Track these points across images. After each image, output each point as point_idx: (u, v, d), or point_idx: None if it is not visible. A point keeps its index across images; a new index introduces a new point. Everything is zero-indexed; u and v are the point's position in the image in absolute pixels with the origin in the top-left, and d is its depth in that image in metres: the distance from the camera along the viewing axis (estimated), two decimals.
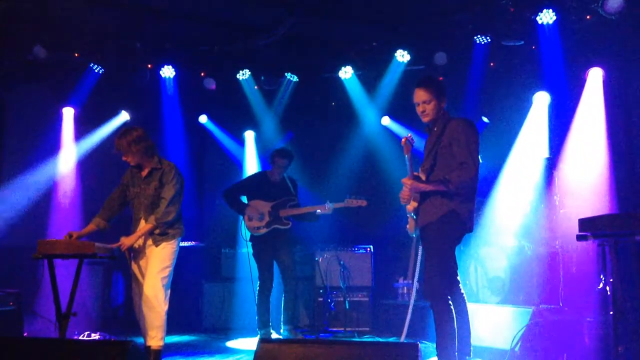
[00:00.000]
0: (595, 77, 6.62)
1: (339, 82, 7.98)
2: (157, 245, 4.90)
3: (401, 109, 7.93)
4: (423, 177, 4.27)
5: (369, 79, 7.92)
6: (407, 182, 4.21)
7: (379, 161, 8.21)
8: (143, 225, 4.94)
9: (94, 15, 6.90)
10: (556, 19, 6.33)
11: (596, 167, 6.32)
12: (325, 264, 7.19)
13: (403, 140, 4.26)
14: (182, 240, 5.20)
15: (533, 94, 7.11)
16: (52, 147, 7.67)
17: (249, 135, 8.83)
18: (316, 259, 7.26)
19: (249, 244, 6.52)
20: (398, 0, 6.63)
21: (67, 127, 7.83)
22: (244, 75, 8.00)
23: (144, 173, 5.02)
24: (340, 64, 7.82)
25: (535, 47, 6.74)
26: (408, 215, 4.41)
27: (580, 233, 3.94)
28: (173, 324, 5.22)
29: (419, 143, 4.58)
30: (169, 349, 5.54)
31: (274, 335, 6.37)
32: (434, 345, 4.14)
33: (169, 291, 4.87)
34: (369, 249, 7.36)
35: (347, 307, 7.01)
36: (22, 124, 7.51)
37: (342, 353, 2.91)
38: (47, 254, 4.41)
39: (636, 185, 6.32)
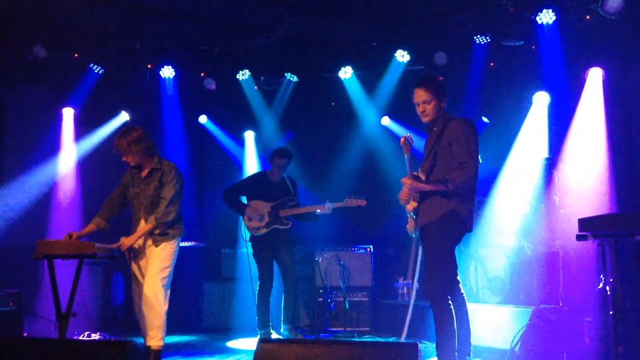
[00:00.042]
0: (595, 77, 6.62)
1: (338, 82, 7.98)
2: (157, 246, 4.91)
3: (401, 109, 7.93)
4: (423, 177, 4.27)
5: (369, 79, 7.92)
6: (406, 181, 4.21)
7: (379, 161, 8.21)
8: (143, 226, 4.94)
9: (94, 15, 6.90)
10: (556, 19, 6.33)
11: (596, 167, 6.32)
12: (325, 264, 7.19)
13: (402, 139, 4.26)
14: (182, 240, 5.20)
15: (533, 94, 7.11)
16: (52, 147, 7.67)
17: (249, 136, 8.83)
18: (316, 259, 7.26)
19: (249, 244, 6.52)
20: (398, 0, 6.63)
21: (67, 128, 7.83)
22: (243, 75, 8.00)
23: (144, 173, 5.02)
24: (340, 64, 7.82)
25: (535, 47, 6.75)
26: (408, 215, 4.41)
27: (580, 233, 3.94)
28: (173, 324, 5.22)
29: (419, 143, 4.58)
30: (169, 349, 5.54)
31: (274, 335, 6.37)
32: (434, 345, 4.15)
33: (168, 291, 4.87)
34: (369, 249, 7.36)
35: (347, 307, 7.01)
36: (22, 124, 7.51)
37: (342, 353, 2.91)
38: (46, 254, 4.41)
39: (636, 185, 6.32)
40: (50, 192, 7.59)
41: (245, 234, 6.49)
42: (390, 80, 7.70)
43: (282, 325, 6.44)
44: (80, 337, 6.12)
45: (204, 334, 7.26)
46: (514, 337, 5.00)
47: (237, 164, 8.81)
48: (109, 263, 6.85)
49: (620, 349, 3.83)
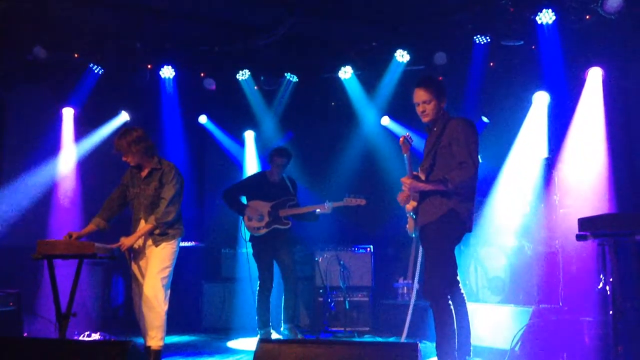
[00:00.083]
0: (594, 77, 6.62)
1: (338, 82, 7.98)
2: (157, 246, 4.91)
3: (401, 109, 7.93)
4: (422, 177, 4.27)
5: (369, 79, 7.92)
6: (406, 181, 4.21)
7: (379, 161, 8.21)
8: (143, 226, 4.94)
9: (94, 15, 6.90)
10: (556, 18, 6.33)
11: (596, 166, 6.32)
12: (325, 264, 7.20)
13: (401, 139, 4.25)
14: (182, 241, 5.20)
15: (532, 93, 7.11)
16: (52, 147, 7.67)
17: (249, 136, 8.83)
18: (316, 259, 7.26)
19: (249, 244, 6.52)
20: (398, 0, 6.63)
21: (67, 128, 7.83)
22: (243, 75, 8.00)
23: (144, 173, 5.03)
24: (340, 64, 7.82)
25: (534, 47, 6.75)
26: (408, 215, 4.41)
27: (580, 233, 3.94)
28: (173, 324, 5.22)
29: (419, 143, 4.57)
30: (168, 349, 5.54)
31: (274, 335, 6.37)
32: (434, 345, 4.15)
33: (168, 291, 4.87)
34: (369, 249, 7.36)
35: (347, 307, 7.01)
36: (22, 124, 7.51)
37: (342, 353, 2.92)
38: (46, 254, 4.41)
39: (636, 185, 6.32)
40: (50, 192, 7.59)
41: (245, 234, 6.49)
42: (390, 80, 7.70)
43: (282, 325, 6.44)
44: (80, 337, 6.12)
45: (204, 334, 7.26)
46: (514, 337, 5.01)
47: (237, 164, 8.81)
48: (109, 263, 6.85)
49: (620, 349, 3.83)
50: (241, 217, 6.47)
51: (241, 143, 8.84)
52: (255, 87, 8.19)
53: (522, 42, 6.77)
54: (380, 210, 7.46)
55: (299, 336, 6.39)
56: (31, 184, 7.39)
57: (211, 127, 8.73)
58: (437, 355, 4.11)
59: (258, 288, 6.40)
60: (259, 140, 8.79)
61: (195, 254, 7.82)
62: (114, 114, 8.01)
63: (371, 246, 7.40)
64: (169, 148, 8.10)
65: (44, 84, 7.54)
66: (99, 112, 7.95)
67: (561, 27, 6.39)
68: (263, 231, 6.34)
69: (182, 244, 5.47)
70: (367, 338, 6.80)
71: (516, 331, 5.03)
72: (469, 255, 6.43)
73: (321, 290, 7.16)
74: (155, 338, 4.78)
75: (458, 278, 4.24)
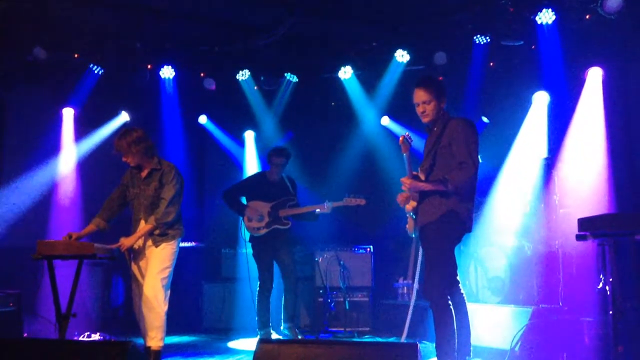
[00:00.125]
0: (594, 77, 6.61)
1: (338, 82, 7.98)
2: (157, 246, 4.91)
3: (401, 109, 7.94)
4: (422, 177, 4.27)
5: (369, 79, 7.92)
6: (405, 181, 4.21)
7: (379, 161, 8.21)
8: (143, 226, 4.94)
9: (94, 15, 6.90)
10: (555, 18, 6.33)
11: (595, 166, 6.32)
12: (325, 264, 7.20)
13: (401, 138, 4.25)
14: (182, 241, 5.21)
15: (532, 93, 7.11)
16: (52, 147, 7.67)
17: (249, 136, 8.84)
18: (316, 259, 7.26)
19: (249, 244, 6.52)
20: (398, 0, 6.63)
21: (67, 128, 7.83)
22: (243, 75, 8.00)
23: (144, 174, 5.03)
24: (340, 64, 7.82)
25: (534, 47, 6.74)
26: (407, 215, 4.41)
27: (580, 233, 3.94)
28: (173, 325, 5.22)
29: (419, 143, 4.57)
30: (168, 349, 5.54)
31: (274, 336, 6.37)
32: (434, 345, 4.15)
33: (168, 292, 4.87)
34: (369, 249, 7.36)
35: (347, 307, 7.01)
36: (22, 125, 7.50)
37: (342, 353, 2.92)
38: (46, 254, 4.41)
39: (636, 185, 6.32)
40: (50, 192, 7.59)
41: (245, 234, 6.49)
42: (390, 80, 7.70)
43: (282, 324, 6.44)
44: (80, 338, 6.12)
45: (204, 334, 7.26)
46: (514, 337, 5.01)
47: (237, 164, 8.81)
48: (109, 264, 6.85)
49: (620, 349, 3.83)
50: (241, 218, 6.47)
51: (241, 143, 8.84)
52: (255, 87, 8.19)
53: (522, 42, 6.77)
54: (380, 210, 7.46)
55: (299, 336, 6.39)
56: (31, 184, 7.39)
57: (211, 127, 8.73)
58: (437, 355, 4.10)
59: (258, 288, 6.40)
60: (259, 141, 8.79)
61: (195, 254, 7.82)
62: (114, 114, 8.01)
63: (371, 246, 7.39)
64: (169, 148, 8.10)
65: (44, 84, 7.54)
66: (99, 113, 7.95)
67: (561, 27, 6.39)
68: (263, 231, 6.34)
69: (182, 244, 5.47)
70: (367, 338, 6.80)
71: (516, 331, 5.03)
72: (469, 255, 6.43)
73: (321, 291, 7.16)
74: (155, 338, 4.78)
75: (458, 278, 4.23)
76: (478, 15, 6.70)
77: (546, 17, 6.33)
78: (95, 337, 6.21)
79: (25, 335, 5.87)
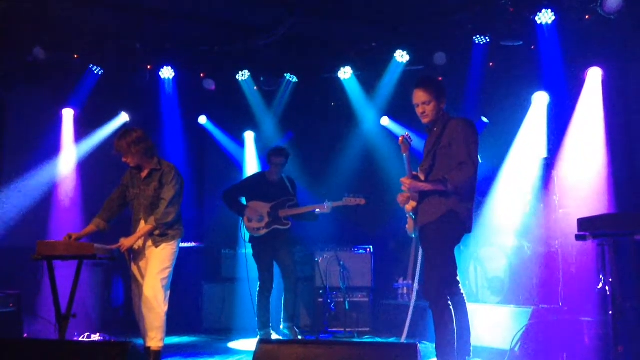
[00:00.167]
0: (594, 77, 6.61)
1: (338, 82, 7.98)
2: (156, 246, 4.91)
3: (400, 109, 7.94)
4: (422, 177, 4.27)
5: (369, 79, 7.92)
6: (405, 181, 4.21)
7: (379, 161, 8.21)
8: (143, 226, 4.94)
9: (94, 16, 6.90)
10: (555, 19, 6.33)
11: (595, 166, 6.32)
12: (325, 264, 7.19)
13: (400, 138, 4.24)
14: (182, 241, 5.21)
15: (532, 94, 7.11)
16: (52, 148, 7.67)
17: (249, 136, 8.84)
18: (316, 259, 7.26)
19: (249, 245, 6.52)
20: (398, 0, 6.63)
21: (67, 128, 7.83)
22: (243, 75, 8.00)
23: (144, 174, 5.03)
24: (340, 64, 7.82)
25: (534, 47, 6.74)
26: (407, 215, 4.41)
27: (580, 233, 3.94)
28: (173, 325, 5.22)
29: (419, 143, 4.57)
30: (168, 349, 5.54)
31: (274, 336, 6.37)
32: (434, 346, 4.15)
33: (168, 292, 4.88)
34: (369, 249, 7.36)
35: (347, 307, 7.01)
36: (22, 125, 7.50)
37: (342, 354, 2.92)
38: (46, 255, 4.41)
39: (636, 185, 6.32)
40: (50, 193, 7.59)
41: (245, 234, 6.49)
42: (389, 81, 7.70)
43: (282, 323, 6.44)
44: (80, 338, 6.12)
45: (204, 334, 7.26)
46: (514, 337, 5.01)
47: (237, 164, 8.81)
48: (109, 264, 6.85)
49: (620, 349, 3.83)
50: (241, 218, 6.47)
51: (241, 143, 8.84)
52: (255, 88, 8.19)
53: (521, 42, 6.77)
54: (380, 210, 7.46)
55: (299, 336, 6.39)
56: (31, 184, 7.39)
57: (211, 127, 8.73)
58: (437, 355, 4.11)
59: (258, 289, 6.40)
60: (258, 141, 8.79)
61: (195, 255, 7.82)
62: (113, 114, 8.02)
63: (371, 246, 7.39)
64: (168, 148, 8.10)
65: (44, 84, 7.54)
66: (99, 113, 7.95)
67: (561, 27, 6.38)
68: (263, 232, 6.34)
69: (182, 244, 5.47)
70: (367, 338, 6.80)
71: (516, 331, 5.03)
72: (468, 255, 6.44)
73: (321, 291, 7.16)
74: (155, 339, 4.78)
75: (458, 278, 4.23)
76: (478, 15, 6.70)
77: (546, 17, 6.33)
78: (95, 337, 6.22)
79: (25, 335, 5.87)
